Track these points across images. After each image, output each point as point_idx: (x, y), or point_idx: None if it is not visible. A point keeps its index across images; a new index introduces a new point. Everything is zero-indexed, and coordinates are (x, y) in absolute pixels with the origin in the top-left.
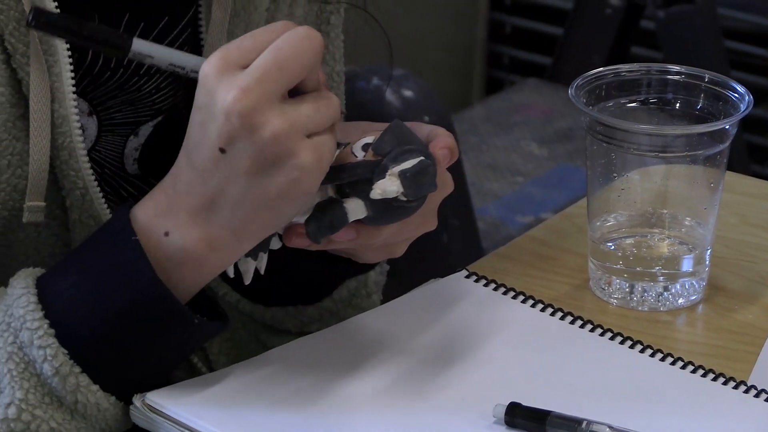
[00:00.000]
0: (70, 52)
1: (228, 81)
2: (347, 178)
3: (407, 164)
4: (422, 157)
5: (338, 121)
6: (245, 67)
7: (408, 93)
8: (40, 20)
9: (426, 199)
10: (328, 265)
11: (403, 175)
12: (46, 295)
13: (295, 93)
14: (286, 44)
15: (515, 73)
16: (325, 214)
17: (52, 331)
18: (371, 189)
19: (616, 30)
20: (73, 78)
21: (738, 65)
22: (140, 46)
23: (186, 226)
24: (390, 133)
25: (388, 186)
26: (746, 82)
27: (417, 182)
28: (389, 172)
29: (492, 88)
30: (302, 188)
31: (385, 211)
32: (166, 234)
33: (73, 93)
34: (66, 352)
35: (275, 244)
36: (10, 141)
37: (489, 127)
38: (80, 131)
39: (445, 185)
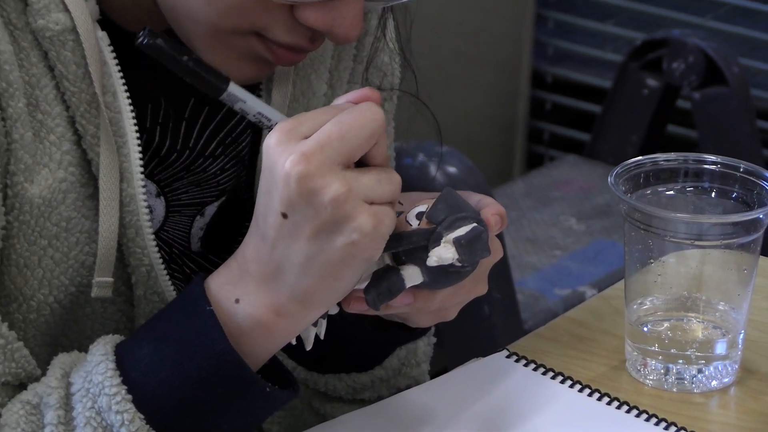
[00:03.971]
0: (138, 134)
1: (289, 148)
2: (404, 246)
3: (461, 231)
4: (475, 224)
5: (398, 198)
6: (308, 137)
7: (452, 169)
8: (150, 41)
9: (479, 263)
10: (381, 332)
11: (458, 242)
12: (124, 362)
13: (361, 166)
14: (348, 116)
15: (555, 149)
16: (383, 282)
17: (130, 396)
18: (427, 256)
19: (653, 109)
20: (141, 159)
21: None
22: (235, 88)
23: (255, 293)
24: (442, 201)
25: (444, 253)
26: None
27: (471, 249)
28: (444, 239)
29: (533, 163)
30: (362, 253)
31: (441, 276)
32: (237, 301)
33: (141, 173)
34: (142, 417)
35: (332, 309)
36: (79, 219)
37: (529, 202)
38: (147, 210)
39: (496, 251)
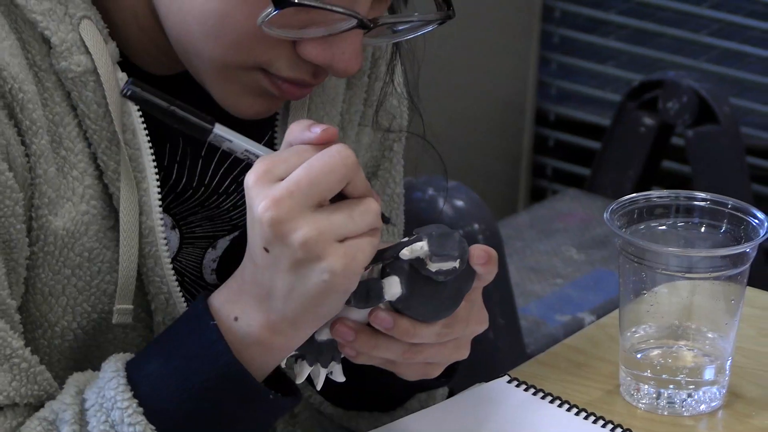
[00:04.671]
0: (156, 170)
1: (263, 191)
2: (391, 255)
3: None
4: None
5: (378, 225)
6: (283, 179)
7: (459, 203)
8: (135, 91)
9: (459, 286)
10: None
11: (429, 235)
12: (135, 377)
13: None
14: (318, 161)
15: (557, 183)
16: (363, 286)
17: (141, 409)
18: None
19: (649, 146)
20: (159, 192)
21: (758, 179)
22: (221, 129)
23: (251, 312)
24: (435, 226)
25: (416, 246)
26: (766, 195)
27: (441, 243)
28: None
29: (536, 196)
30: (337, 288)
31: (418, 288)
32: (236, 319)
33: (159, 207)
34: (153, 428)
35: (339, 377)
36: (100, 250)
37: (533, 233)
38: (165, 241)
39: (481, 322)
